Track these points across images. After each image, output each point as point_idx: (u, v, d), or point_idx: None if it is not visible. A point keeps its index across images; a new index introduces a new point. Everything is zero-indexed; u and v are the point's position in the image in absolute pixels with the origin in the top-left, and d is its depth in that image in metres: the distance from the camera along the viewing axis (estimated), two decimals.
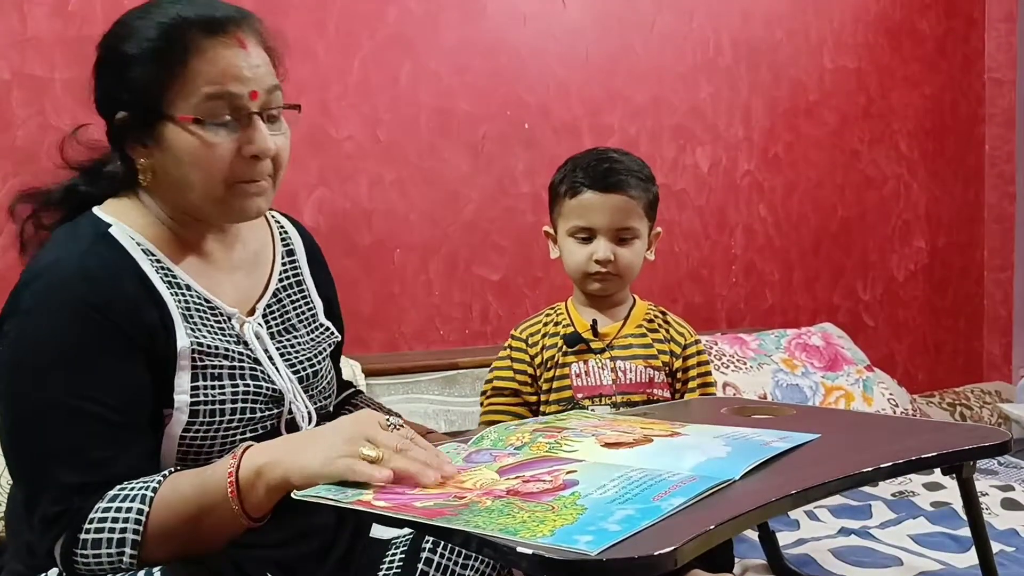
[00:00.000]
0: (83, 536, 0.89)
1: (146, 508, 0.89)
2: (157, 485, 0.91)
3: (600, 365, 1.45)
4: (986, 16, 3.27)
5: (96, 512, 0.90)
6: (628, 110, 2.55)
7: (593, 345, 1.47)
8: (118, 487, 0.91)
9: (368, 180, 2.18)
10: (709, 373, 1.55)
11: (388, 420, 0.95)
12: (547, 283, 2.37)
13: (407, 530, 1.09)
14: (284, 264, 1.17)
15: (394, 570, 1.15)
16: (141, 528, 0.88)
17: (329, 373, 1.19)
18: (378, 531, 1.20)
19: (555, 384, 1.46)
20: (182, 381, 0.98)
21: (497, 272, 2.35)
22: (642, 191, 1.46)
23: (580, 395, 1.44)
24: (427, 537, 1.13)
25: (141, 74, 0.97)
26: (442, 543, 1.13)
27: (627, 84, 2.55)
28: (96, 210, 1.04)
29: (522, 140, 2.38)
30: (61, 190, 1.07)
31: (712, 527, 0.75)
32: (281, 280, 1.16)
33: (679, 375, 1.51)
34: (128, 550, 0.88)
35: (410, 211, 2.23)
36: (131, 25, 0.99)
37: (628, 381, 1.45)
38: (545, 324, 1.52)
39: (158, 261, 1.01)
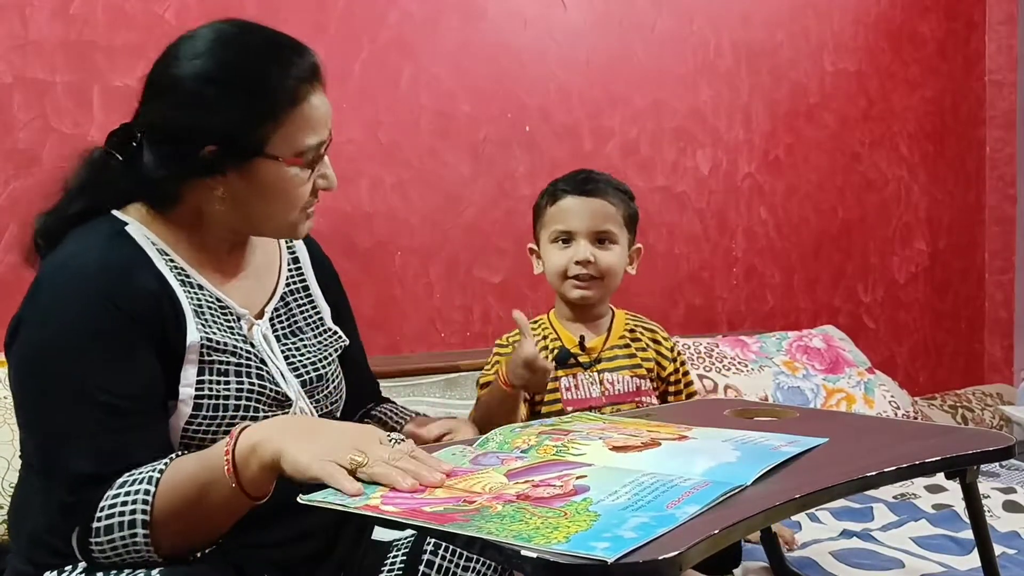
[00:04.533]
0: (95, 525, 0.91)
1: (152, 488, 0.90)
2: (163, 467, 0.92)
3: (589, 380, 1.48)
4: (986, 19, 3.28)
5: (106, 500, 0.91)
6: (628, 113, 2.55)
7: (581, 359, 1.50)
8: (127, 474, 0.93)
9: (369, 183, 2.18)
10: (689, 375, 1.62)
11: (390, 437, 0.96)
12: (547, 286, 2.35)
13: (409, 532, 1.10)
14: (290, 270, 1.20)
15: (395, 572, 1.15)
16: (149, 508, 0.90)
17: (336, 378, 1.20)
18: (380, 533, 1.20)
19: (546, 398, 1.47)
20: (188, 375, 1.00)
21: (498, 274, 2.35)
22: (620, 201, 1.52)
23: (570, 408, 1.46)
24: (428, 540, 1.14)
25: (251, 116, 1.00)
26: (443, 545, 1.13)
27: (627, 87, 2.55)
28: (114, 212, 1.06)
29: (523, 143, 2.38)
30: (77, 208, 1.06)
31: (717, 531, 0.74)
32: (288, 285, 1.19)
33: (671, 377, 1.55)
34: (140, 530, 0.90)
35: (411, 214, 2.23)
36: (242, 66, 1.02)
37: (616, 392, 1.49)
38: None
39: (172, 261, 1.04)
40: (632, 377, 1.50)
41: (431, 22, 2.25)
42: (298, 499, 0.85)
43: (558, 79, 2.43)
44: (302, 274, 1.22)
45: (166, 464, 0.93)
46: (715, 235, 2.72)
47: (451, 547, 1.13)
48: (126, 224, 1.04)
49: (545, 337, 1.53)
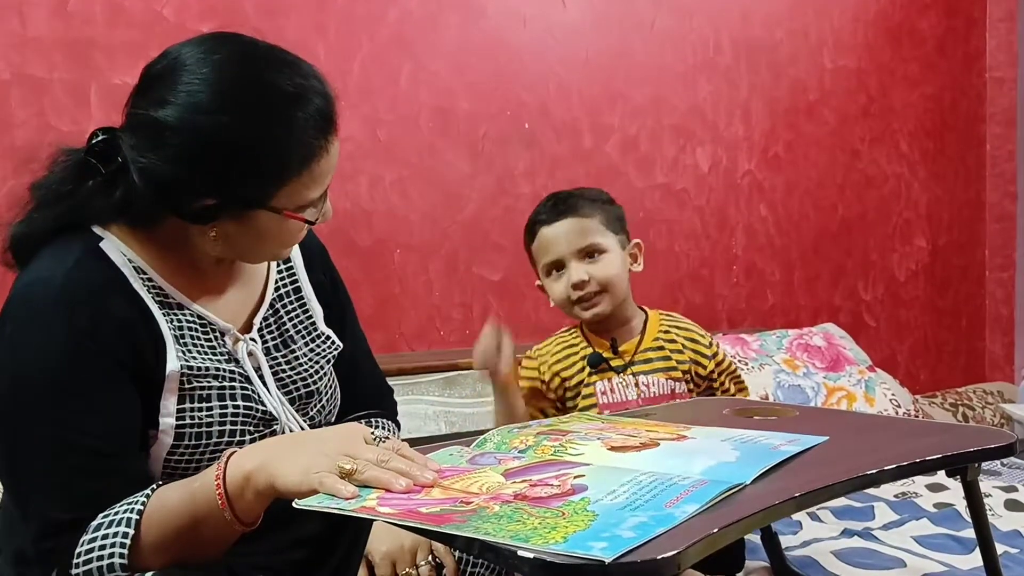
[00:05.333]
0: (73, 572, 0.87)
1: (131, 531, 0.86)
2: (142, 507, 0.88)
3: (624, 383, 1.47)
4: (987, 15, 3.27)
5: (82, 546, 0.87)
6: (628, 110, 2.55)
7: (614, 363, 1.48)
8: (102, 516, 0.88)
9: (368, 180, 2.17)
10: (736, 369, 1.57)
11: (373, 434, 0.92)
12: None
13: None
14: (280, 272, 1.14)
15: None
16: (127, 552, 0.86)
17: (329, 390, 1.14)
18: None
19: (580, 403, 1.47)
20: (168, 404, 0.95)
21: (497, 272, 2.35)
22: (594, 209, 1.49)
23: (607, 412, 1.44)
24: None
25: (256, 179, 0.94)
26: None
27: (627, 84, 2.54)
28: (94, 227, 0.99)
29: (522, 140, 2.38)
30: (50, 221, 0.99)
31: (715, 530, 0.74)
32: (278, 289, 1.13)
33: (713, 374, 1.51)
34: (120, 573, 0.86)
35: (410, 211, 2.23)
36: (250, 133, 0.93)
37: (652, 395, 1.47)
38: (562, 348, 1.52)
39: (149, 280, 0.99)
40: (667, 380, 1.47)
41: (431, 20, 2.24)
42: (294, 503, 0.84)
43: (557, 76, 2.43)
44: (293, 274, 1.15)
45: (146, 499, 0.89)
46: (715, 232, 2.72)
47: (450, 548, 1.12)
48: (101, 240, 0.97)
49: (575, 345, 1.51)
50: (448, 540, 0.76)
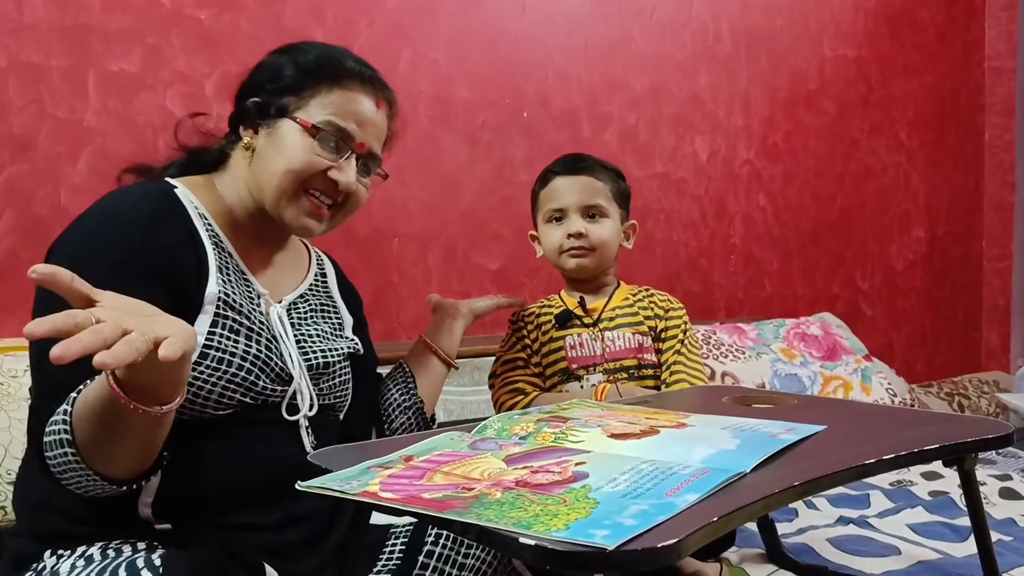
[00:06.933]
0: (45, 439, 0.90)
1: (69, 408, 0.88)
2: (83, 386, 0.89)
3: (592, 337, 1.54)
4: (986, 4, 3.27)
5: (56, 415, 0.89)
6: (627, 98, 2.54)
7: (585, 320, 1.55)
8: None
9: None
10: (690, 330, 1.59)
11: None
12: (545, 272, 2.36)
13: (407, 519, 1.09)
14: (316, 281, 1.27)
15: (394, 559, 1.15)
16: (69, 427, 0.87)
17: (343, 375, 1.22)
18: (377, 518, 1.20)
19: (551, 358, 1.53)
20: (201, 324, 1.02)
21: (496, 261, 2.35)
22: (608, 179, 1.58)
23: (575, 366, 1.52)
24: (429, 529, 1.14)
25: (292, 78, 1.14)
26: (444, 534, 1.13)
27: (626, 72, 2.54)
28: (168, 179, 1.13)
29: (521, 128, 2.37)
30: (162, 168, 1.19)
31: (716, 519, 0.74)
32: (312, 289, 1.25)
33: (662, 334, 1.57)
34: (68, 448, 0.87)
35: (409, 200, 2.23)
36: (307, 48, 1.18)
37: (617, 348, 1.53)
38: (540, 307, 1.62)
39: (209, 225, 1.10)
40: (634, 335, 1.54)
41: (429, 6, 2.24)
42: (296, 485, 0.84)
43: (556, 64, 2.42)
44: (327, 287, 1.29)
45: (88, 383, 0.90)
46: (713, 222, 2.72)
47: (452, 535, 1.13)
48: (176, 187, 1.10)
49: (550, 305, 1.60)
50: (450, 526, 0.76)
